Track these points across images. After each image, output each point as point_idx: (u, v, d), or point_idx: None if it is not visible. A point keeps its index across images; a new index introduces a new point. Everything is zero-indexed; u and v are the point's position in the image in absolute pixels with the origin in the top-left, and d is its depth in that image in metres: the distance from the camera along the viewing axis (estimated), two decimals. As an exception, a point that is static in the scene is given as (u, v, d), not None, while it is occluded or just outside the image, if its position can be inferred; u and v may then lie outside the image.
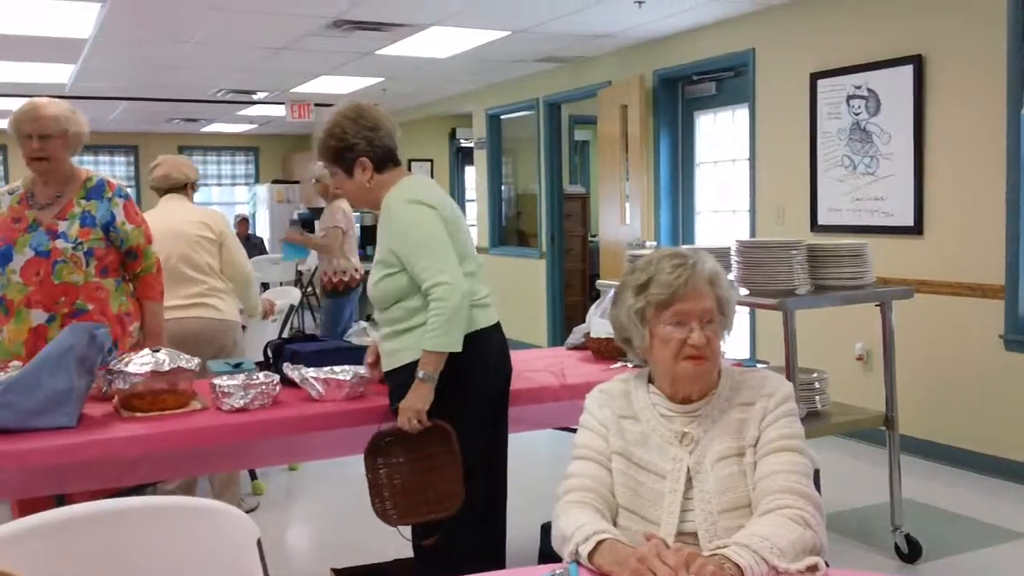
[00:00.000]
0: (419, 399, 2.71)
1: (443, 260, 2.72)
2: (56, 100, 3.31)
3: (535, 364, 3.53)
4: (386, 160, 2.85)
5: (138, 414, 2.76)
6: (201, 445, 2.78)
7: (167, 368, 2.82)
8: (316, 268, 10.91)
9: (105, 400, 2.89)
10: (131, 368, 2.80)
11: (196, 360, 2.94)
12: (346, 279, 6.22)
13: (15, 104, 9.15)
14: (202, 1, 5.61)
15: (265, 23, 6.25)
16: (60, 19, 5.92)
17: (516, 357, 3.82)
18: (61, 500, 2.70)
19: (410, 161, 11.89)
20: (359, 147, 2.80)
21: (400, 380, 2.80)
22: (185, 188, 4.37)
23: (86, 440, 2.56)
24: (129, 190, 3.51)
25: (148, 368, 2.80)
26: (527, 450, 5.05)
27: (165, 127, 12.71)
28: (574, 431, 3.30)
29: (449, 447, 2.79)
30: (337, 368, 3.04)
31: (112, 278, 3.33)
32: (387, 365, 2.86)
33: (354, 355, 3.23)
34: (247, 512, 4.29)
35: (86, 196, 3.30)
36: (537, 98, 8.62)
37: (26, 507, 3.17)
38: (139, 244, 3.38)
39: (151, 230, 4.06)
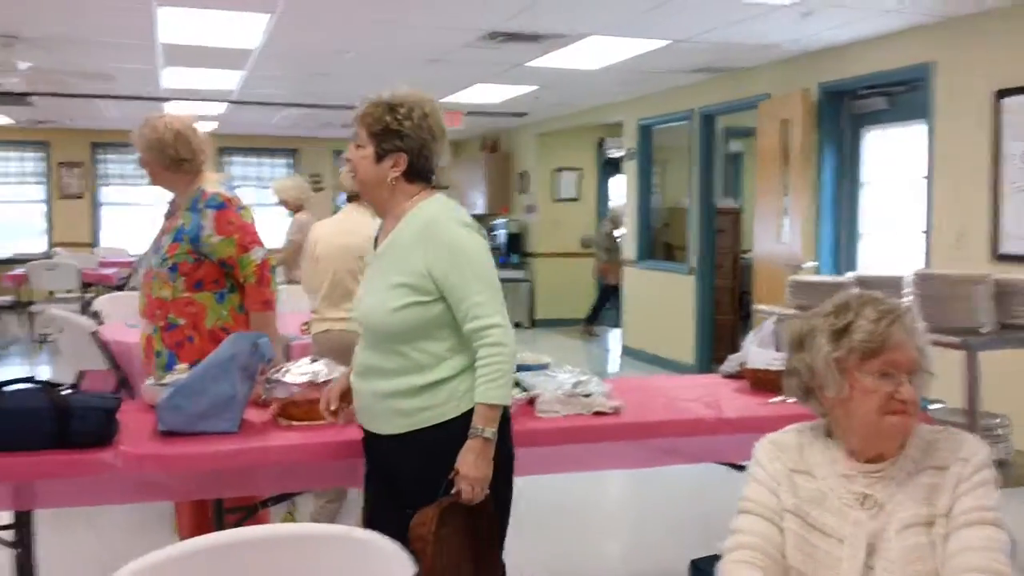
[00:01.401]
0: (487, 464, 2.32)
1: (498, 299, 2.36)
2: (152, 118, 3.31)
3: (688, 393, 3.39)
4: (420, 173, 2.46)
5: (294, 423, 2.81)
6: (351, 457, 2.79)
7: (323, 379, 2.86)
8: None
9: (263, 407, 2.95)
10: (289, 378, 2.86)
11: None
12: None
13: (190, 107, 9.54)
14: (363, 14, 5.72)
15: (422, 35, 6.32)
16: (231, 30, 6.17)
17: (666, 384, 3.72)
18: (220, 506, 2.75)
19: (557, 170, 11.86)
20: (408, 143, 2.40)
21: (425, 444, 2.37)
22: (351, 198, 4.39)
23: (247, 446, 2.63)
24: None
25: (305, 379, 2.85)
26: (677, 484, 4.91)
27: (322, 132, 13.13)
28: (733, 467, 3.17)
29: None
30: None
31: (210, 291, 3.26)
32: (401, 426, 2.38)
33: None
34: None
35: (189, 207, 3.28)
36: (692, 109, 8.41)
37: (186, 512, 3.28)
38: (230, 255, 3.24)
39: (327, 238, 4.17)
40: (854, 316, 1.77)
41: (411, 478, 2.41)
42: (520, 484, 4.35)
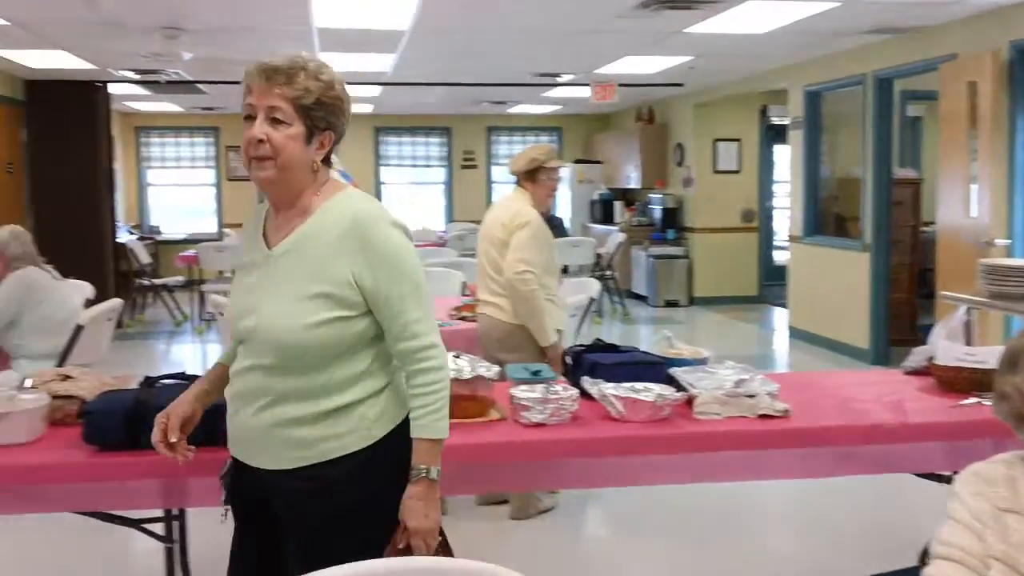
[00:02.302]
0: (437, 509, 1.98)
1: (433, 314, 2.05)
2: None
3: (865, 393, 3.07)
4: (328, 157, 2.09)
5: (438, 420, 2.71)
6: (499, 460, 2.67)
7: (468, 376, 2.76)
8: (618, 248, 10.83)
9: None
10: (433, 375, 2.76)
11: (496, 368, 2.87)
12: None
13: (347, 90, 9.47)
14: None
15: (574, 7, 6.12)
16: (381, 13, 6.17)
17: (840, 381, 3.39)
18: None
19: (716, 140, 11.40)
20: (339, 119, 2.03)
21: (322, 483, 1.97)
22: (518, 181, 4.22)
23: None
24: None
25: (450, 375, 2.74)
26: (853, 493, 4.55)
27: (475, 109, 13.14)
28: (927, 477, 2.84)
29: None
30: (638, 385, 2.80)
31: None
32: (295, 459, 1.97)
33: (659, 371, 2.99)
34: (543, 511, 4.22)
35: None
36: (865, 73, 7.82)
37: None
38: None
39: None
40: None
41: (301, 524, 2.01)
42: (678, 492, 4.16)
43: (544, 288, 4.03)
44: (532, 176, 4.13)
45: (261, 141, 1.94)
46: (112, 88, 9.82)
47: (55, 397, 2.57)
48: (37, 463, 2.34)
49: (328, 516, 1.98)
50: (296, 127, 1.95)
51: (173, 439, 2.05)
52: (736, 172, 11.50)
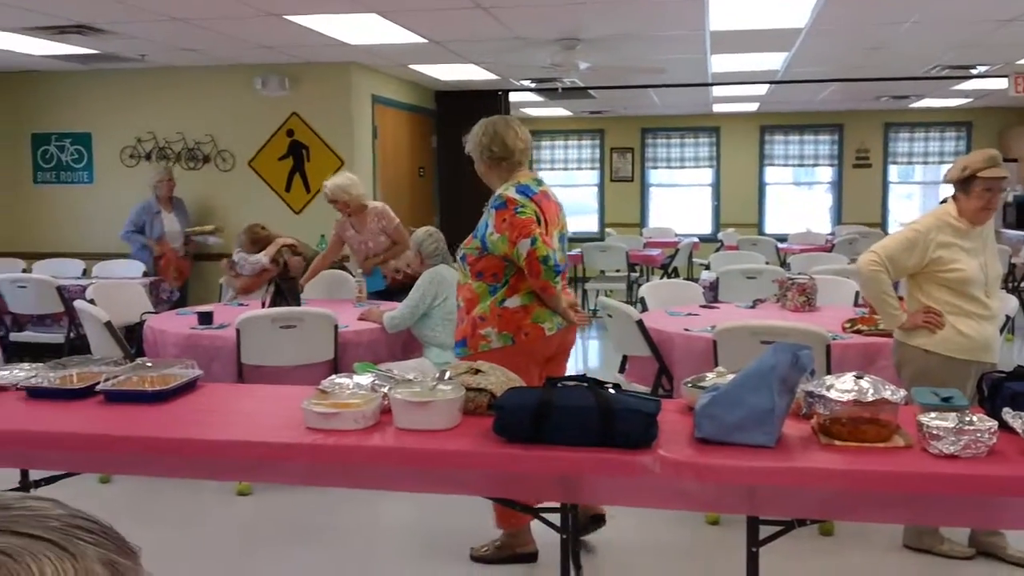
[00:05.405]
0: None
1: None
2: (480, 121, 3.68)
3: None
4: None
5: (836, 442, 2.59)
6: (903, 491, 2.49)
7: (870, 399, 2.61)
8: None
9: (803, 420, 2.77)
10: (832, 394, 2.65)
11: (902, 392, 2.67)
12: (409, 271, 5.85)
13: (733, 91, 9.48)
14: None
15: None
16: (778, 12, 6.02)
17: None
18: (754, 523, 2.63)
19: None
20: None
21: None
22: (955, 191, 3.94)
23: (785, 465, 2.46)
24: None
25: (850, 396, 2.62)
26: None
27: (871, 104, 12.37)
28: None
29: None
30: (1076, 421, 2.47)
31: (487, 283, 3.52)
32: None
33: (1100, 406, 2.61)
34: (955, 556, 3.84)
35: (488, 206, 3.57)
36: None
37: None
38: (505, 252, 3.45)
39: None
40: None
41: None
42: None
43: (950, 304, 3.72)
44: (965, 186, 3.73)
45: None
46: (511, 96, 10.53)
47: (468, 389, 2.81)
48: (454, 449, 2.56)
49: None
50: None
51: None
52: None
